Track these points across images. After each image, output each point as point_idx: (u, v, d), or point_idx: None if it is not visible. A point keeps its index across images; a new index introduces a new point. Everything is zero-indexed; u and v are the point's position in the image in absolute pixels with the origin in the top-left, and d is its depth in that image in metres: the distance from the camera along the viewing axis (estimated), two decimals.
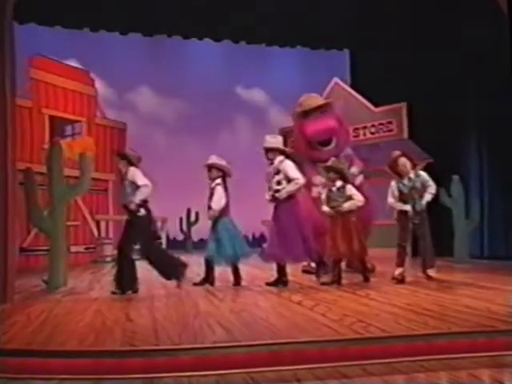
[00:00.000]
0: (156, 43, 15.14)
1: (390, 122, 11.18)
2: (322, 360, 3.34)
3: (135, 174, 5.69)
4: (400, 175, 6.71)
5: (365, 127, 11.47)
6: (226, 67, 16.64)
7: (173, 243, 14.60)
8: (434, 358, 3.47)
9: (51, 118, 10.67)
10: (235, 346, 3.32)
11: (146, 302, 5.08)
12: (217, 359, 3.29)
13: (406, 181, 6.66)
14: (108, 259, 10.50)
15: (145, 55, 15.93)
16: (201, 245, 15.32)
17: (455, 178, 9.28)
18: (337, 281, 6.27)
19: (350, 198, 6.38)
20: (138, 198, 5.61)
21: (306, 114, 8.03)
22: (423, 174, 6.82)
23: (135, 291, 5.69)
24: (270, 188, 6.29)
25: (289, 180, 6.16)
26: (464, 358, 3.51)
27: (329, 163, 6.62)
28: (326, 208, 6.45)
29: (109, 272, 7.80)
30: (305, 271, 7.54)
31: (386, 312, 4.31)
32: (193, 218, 14.58)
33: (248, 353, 3.33)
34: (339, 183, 6.46)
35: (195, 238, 15.52)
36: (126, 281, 5.60)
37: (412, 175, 6.64)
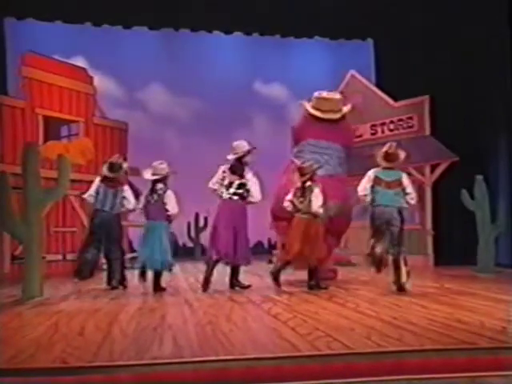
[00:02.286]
0: (167, 38, 15.24)
1: (410, 118, 10.97)
2: (273, 379, 3.24)
3: None
4: None
5: (383, 124, 11.29)
6: (243, 61, 16.61)
7: (182, 250, 14.63)
8: (401, 377, 3.34)
9: (46, 118, 10.73)
10: (174, 362, 3.25)
11: (113, 313, 5.05)
12: (156, 376, 3.22)
13: None
14: (104, 267, 10.52)
15: (156, 51, 16.05)
16: None
17: (478, 178, 9.00)
18: None
19: None
20: None
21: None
22: None
23: None
24: None
25: None
26: (438, 378, 3.37)
27: None
28: None
29: (98, 281, 7.86)
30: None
31: (364, 326, 4.17)
32: (201, 223, 14.59)
33: (193, 370, 3.26)
34: None
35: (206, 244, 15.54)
36: None
37: None
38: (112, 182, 7.28)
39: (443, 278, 8.06)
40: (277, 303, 5.60)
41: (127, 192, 7.37)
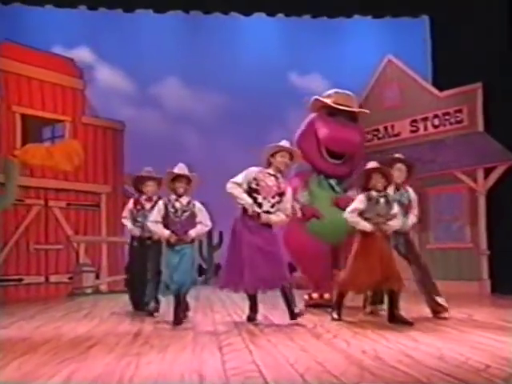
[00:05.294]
0: (184, 23, 15.42)
1: (459, 111, 10.67)
2: None
3: None
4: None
5: (426, 118, 11.02)
6: (275, 49, 16.56)
7: None
8: None
9: (24, 117, 11.02)
10: None
11: (36, 344, 5.12)
12: None
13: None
14: (88, 291, 10.71)
15: (171, 38, 16.20)
16: None
17: None
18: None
19: (394, 215, 6.47)
20: None
21: (333, 112, 8.25)
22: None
23: None
24: None
25: None
26: None
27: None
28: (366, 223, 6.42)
29: (66, 308, 7.99)
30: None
31: (311, 361, 4.10)
32: (216, 239, 14.47)
33: None
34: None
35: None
36: None
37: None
38: None
39: (482, 309, 7.72)
40: (242, 334, 5.55)
41: None
